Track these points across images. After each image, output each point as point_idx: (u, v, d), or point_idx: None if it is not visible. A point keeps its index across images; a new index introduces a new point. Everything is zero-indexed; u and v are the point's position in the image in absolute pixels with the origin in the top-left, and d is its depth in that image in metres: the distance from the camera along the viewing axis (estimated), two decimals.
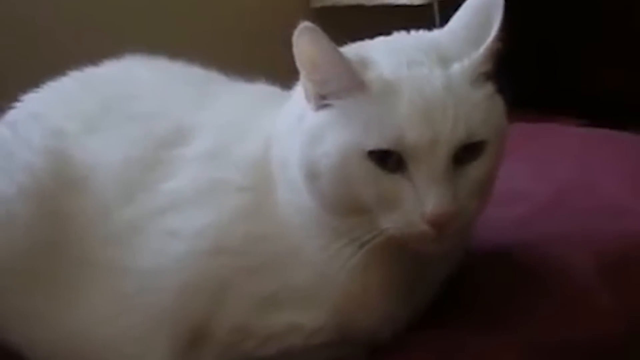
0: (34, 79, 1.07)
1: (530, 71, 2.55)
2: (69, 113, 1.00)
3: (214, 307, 0.88)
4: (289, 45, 0.81)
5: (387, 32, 0.91)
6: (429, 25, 0.90)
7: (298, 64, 0.83)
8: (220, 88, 1.02)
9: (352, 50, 0.86)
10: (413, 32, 0.90)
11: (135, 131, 0.96)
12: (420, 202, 0.79)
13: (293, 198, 0.87)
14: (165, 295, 0.88)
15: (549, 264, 0.95)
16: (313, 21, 0.80)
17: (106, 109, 0.99)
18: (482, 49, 0.83)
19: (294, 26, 0.80)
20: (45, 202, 0.94)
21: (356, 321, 0.88)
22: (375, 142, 0.79)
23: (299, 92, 0.88)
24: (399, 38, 0.89)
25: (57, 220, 0.93)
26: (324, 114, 0.83)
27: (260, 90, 1.03)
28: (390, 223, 0.81)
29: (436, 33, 0.88)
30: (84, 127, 0.98)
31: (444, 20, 0.88)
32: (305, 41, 0.81)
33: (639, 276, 0.97)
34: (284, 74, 0.96)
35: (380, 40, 0.90)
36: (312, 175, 0.83)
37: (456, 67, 0.82)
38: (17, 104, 1.05)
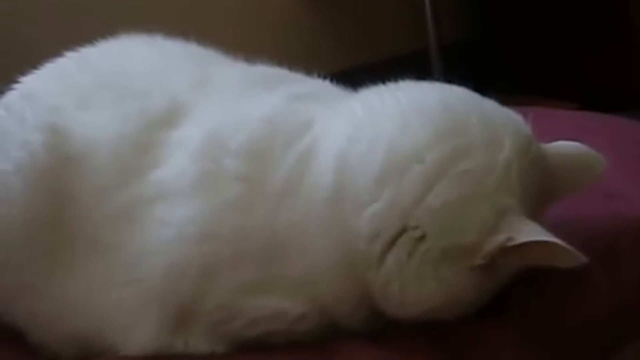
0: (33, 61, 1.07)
1: (523, 56, 2.56)
2: (63, 89, 1.00)
3: (200, 290, 0.88)
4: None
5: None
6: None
7: None
8: (218, 67, 1.02)
9: None
10: None
11: (129, 109, 0.96)
12: None
13: (310, 204, 0.86)
14: (152, 276, 0.89)
15: None
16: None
17: (101, 85, 0.99)
18: None
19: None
20: (43, 178, 0.94)
21: (342, 312, 0.88)
22: None
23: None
24: None
25: (56, 197, 0.94)
26: None
27: (261, 72, 1.02)
28: None
29: None
30: (79, 103, 0.98)
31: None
32: None
33: (629, 259, 0.98)
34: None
35: None
36: None
37: None
38: (15, 86, 1.05)
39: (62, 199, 0.94)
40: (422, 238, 0.84)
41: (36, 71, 1.06)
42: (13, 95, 1.04)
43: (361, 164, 0.86)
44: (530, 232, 0.83)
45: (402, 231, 0.84)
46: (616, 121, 1.33)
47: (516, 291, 0.89)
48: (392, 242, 0.85)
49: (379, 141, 0.87)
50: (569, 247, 0.82)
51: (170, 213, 0.90)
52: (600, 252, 0.96)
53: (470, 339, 0.88)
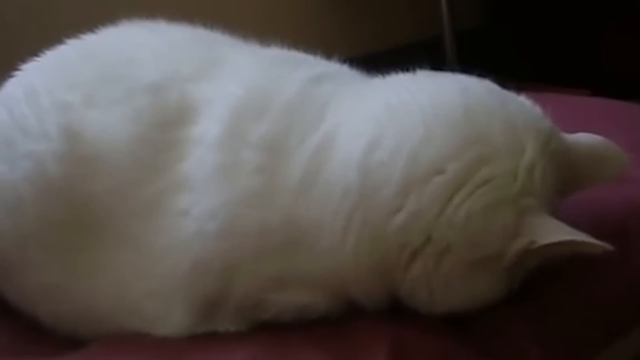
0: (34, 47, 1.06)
1: (537, 43, 2.56)
2: (68, 84, 0.98)
3: (224, 284, 0.89)
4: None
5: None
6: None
7: None
8: (230, 50, 1.01)
9: None
10: None
11: (140, 106, 0.94)
12: None
13: (330, 202, 0.86)
14: (177, 271, 0.90)
15: None
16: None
17: (107, 78, 0.97)
18: None
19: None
20: (55, 186, 0.93)
21: (366, 301, 0.89)
22: None
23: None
24: None
25: (72, 199, 0.93)
26: None
27: (275, 54, 1.01)
28: None
29: None
30: (86, 100, 0.95)
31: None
32: None
33: (638, 241, 1.00)
34: None
35: None
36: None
37: None
38: (16, 74, 1.03)
39: (80, 199, 0.93)
40: (448, 249, 0.84)
41: (36, 60, 1.04)
42: (14, 90, 1.01)
43: (383, 172, 0.86)
44: (553, 232, 0.83)
45: (427, 242, 0.85)
46: (627, 107, 1.34)
47: (533, 275, 0.90)
48: (418, 252, 0.85)
49: (401, 150, 0.86)
50: (592, 240, 0.83)
51: (192, 204, 0.90)
52: (613, 235, 0.97)
53: (485, 318, 0.89)
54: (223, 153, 0.90)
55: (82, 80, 0.98)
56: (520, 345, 0.89)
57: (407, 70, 0.96)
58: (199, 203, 0.89)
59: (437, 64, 0.99)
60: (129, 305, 0.92)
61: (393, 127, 0.88)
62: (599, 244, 0.83)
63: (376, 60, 1.04)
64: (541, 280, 0.91)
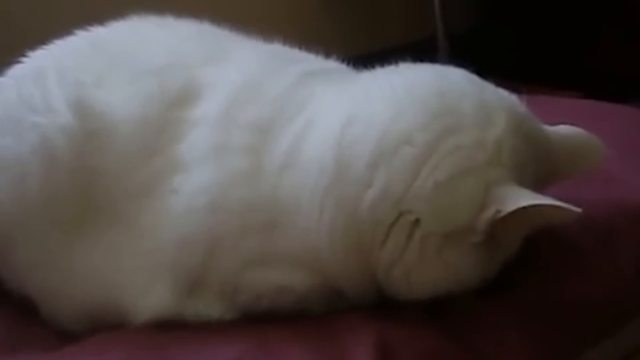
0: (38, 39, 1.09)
1: (530, 45, 2.57)
2: (78, 67, 1.02)
3: (208, 262, 0.91)
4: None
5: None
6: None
7: None
8: (234, 44, 1.04)
9: None
10: None
11: (147, 87, 0.98)
12: None
13: (308, 178, 0.88)
14: (164, 248, 0.92)
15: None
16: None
17: (115, 65, 1.01)
18: None
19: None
20: (60, 160, 0.95)
21: (347, 287, 0.90)
22: None
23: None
24: None
25: (78, 172, 0.95)
26: None
27: (276, 50, 1.04)
28: None
29: None
30: (95, 81, 0.99)
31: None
32: None
33: (627, 242, 1.01)
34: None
35: None
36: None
37: None
38: (24, 59, 1.06)
39: (83, 175, 0.96)
40: (417, 222, 0.85)
41: (45, 48, 1.07)
42: (22, 71, 1.04)
43: (357, 147, 0.87)
44: (517, 199, 0.82)
45: (398, 217, 0.85)
46: (618, 109, 1.34)
47: (516, 271, 0.90)
48: (391, 227, 0.85)
49: (373, 125, 0.88)
50: (558, 203, 0.83)
51: (183, 183, 0.92)
52: (599, 235, 0.98)
53: (471, 316, 0.90)
54: (216, 133, 0.93)
55: (92, 65, 1.01)
56: (506, 342, 0.90)
57: None
58: (189, 181, 0.92)
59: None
60: (118, 281, 0.94)
61: (367, 107, 0.90)
62: (567, 208, 0.82)
63: (369, 60, 1.05)
64: (527, 278, 0.92)
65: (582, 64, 2.44)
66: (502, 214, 0.82)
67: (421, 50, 1.71)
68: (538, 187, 0.90)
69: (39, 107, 0.98)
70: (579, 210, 0.82)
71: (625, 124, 1.27)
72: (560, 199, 0.93)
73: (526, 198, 0.83)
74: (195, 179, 0.92)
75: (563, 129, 0.96)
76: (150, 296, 0.92)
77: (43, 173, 0.95)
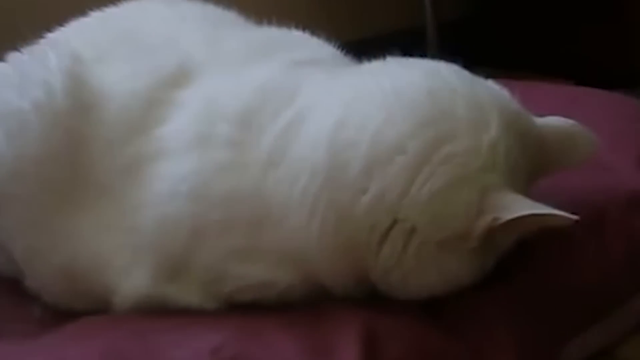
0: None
1: (520, 34, 2.56)
2: (84, 43, 1.04)
3: (189, 249, 0.91)
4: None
5: None
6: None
7: None
8: (228, 31, 1.05)
9: None
10: None
11: (141, 65, 1.00)
12: None
13: (299, 178, 0.87)
14: (145, 227, 0.92)
15: None
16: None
17: (118, 41, 1.04)
18: None
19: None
20: (60, 119, 0.97)
21: (335, 286, 0.89)
22: None
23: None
24: None
25: (72, 138, 0.97)
26: None
27: (268, 37, 1.05)
28: None
29: None
30: (97, 56, 1.02)
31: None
32: None
33: (616, 229, 1.01)
34: None
35: None
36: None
37: None
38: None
39: (77, 140, 0.97)
40: (413, 230, 0.84)
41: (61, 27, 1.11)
42: (38, 44, 1.08)
43: (349, 153, 0.86)
44: (516, 207, 0.83)
45: (394, 223, 0.85)
46: (607, 96, 1.34)
47: (506, 259, 0.90)
48: (386, 234, 0.85)
49: (365, 130, 0.86)
50: (555, 212, 0.83)
51: (166, 169, 0.92)
52: (589, 222, 0.98)
53: (459, 305, 0.90)
54: (200, 123, 0.93)
55: (97, 41, 1.05)
56: (494, 330, 0.89)
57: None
58: (172, 167, 0.92)
59: (419, 54, 0.99)
60: (101, 255, 0.94)
61: (358, 109, 0.89)
62: (563, 216, 0.83)
63: (357, 48, 1.04)
64: (515, 267, 0.91)
65: (572, 52, 2.44)
66: (500, 222, 0.83)
67: (410, 39, 1.71)
68: (531, 181, 0.90)
69: (49, 65, 1.00)
70: (575, 217, 0.83)
71: (616, 111, 1.27)
72: (550, 187, 0.93)
73: (524, 207, 0.83)
74: (178, 165, 0.92)
75: (554, 121, 0.95)
76: (131, 276, 0.92)
77: (42, 128, 0.96)
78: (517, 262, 0.91)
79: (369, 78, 0.93)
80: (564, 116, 0.96)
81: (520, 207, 0.83)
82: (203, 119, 0.93)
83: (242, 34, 1.06)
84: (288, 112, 0.91)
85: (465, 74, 0.93)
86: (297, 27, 1.06)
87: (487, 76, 0.95)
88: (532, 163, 0.90)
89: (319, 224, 0.86)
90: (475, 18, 2.66)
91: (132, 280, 0.92)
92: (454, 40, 2.33)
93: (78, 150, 0.97)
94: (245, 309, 0.90)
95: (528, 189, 0.90)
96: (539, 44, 2.51)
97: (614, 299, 0.99)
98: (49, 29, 1.11)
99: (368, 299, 0.89)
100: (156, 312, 0.92)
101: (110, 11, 1.11)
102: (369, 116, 0.87)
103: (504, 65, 2.07)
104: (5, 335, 0.97)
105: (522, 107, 0.92)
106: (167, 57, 1.00)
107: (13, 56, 1.06)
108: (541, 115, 0.95)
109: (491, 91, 0.92)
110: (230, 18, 1.10)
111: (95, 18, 1.11)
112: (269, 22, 1.08)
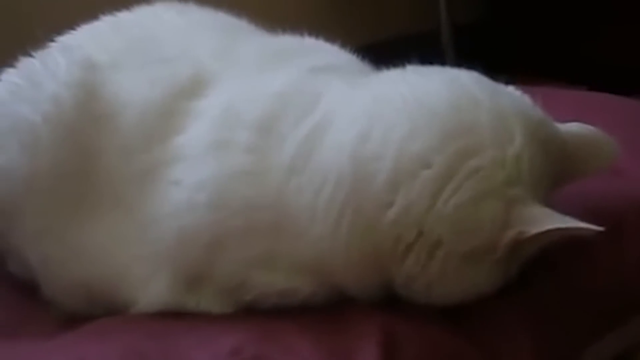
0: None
1: (535, 38, 2.56)
2: (97, 48, 1.03)
3: (210, 257, 0.90)
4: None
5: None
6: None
7: None
8: (244, 38, 1.05)
9: None
10: None
11: (157, 74, 0.99)
12: None
13: (323, 188, 0.87)
14: (165, 238, 0.92)
15: None
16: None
17: (132, 49, 1.03)
18: None
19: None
20: (71, 133, 0.97)
21: (356, 292, 0.90)
22: None
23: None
24: None
25: (83, 150, 0.97)
26: None
27: (283, 44, 1.04)
28: None
29: None
30: (111, 62, 1.01)
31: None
32: None
33: (634, 235, 1.00)
34: None
35: None
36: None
37: None
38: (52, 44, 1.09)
39: (89, 152, 0.97)
40: (439, 242, 0.85)
41: (73, 31, 1.10)
42: (50, 48, 1.07)
43: (375, 166, 0.86)
44: (542, 221, 0.83)
45: (419, 236, 0.85)
46: (624, 101, 1.34)
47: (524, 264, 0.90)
48: (411, 246, 0.85)
49: (389, 143, 0.86)
50: (581, 224, 0.83)
51: (184, 175, 0.92)
52: (607, 227, 0.97)
53: (478, 309, 0.89)
54: (218, 130, 0.93)
55: (110, 47, 1.04)
56: (512, 335, 0.90)
57: (402, 63, 0.97)
58: (190, 174, 0.92)
59: (434, 58, 0.99)
60: (119, 266, 0.94)
61: (381, 121, 0.88)
62: (589, 228, 0.83)
63: (372, 52, 1.04)
64: (535, 272, 0.91)
65: (587, 56, 2.43)
66: (526, 235, 0.83)
67: (425, 43, 1.71)
68: (554, 188, 0.90)
69: (60, 77, 1.00)
70: (600, 228, 0.83)
71: (632, 116, 1.26)
72: (565, 193, 0.93)
73: (550, 220, 0.83)
74: (197, 171, 0.92)
75: (575, 127, 0.95)
76: (149, 287, 0.92)
77: (53, 141, 0.97)
78: (535, 267, 0.91)
79: (391, 88, 0.92)
80: (578, 121, 0.96)
81: (546, 220, 0.83)
82: (221, 125, 0.93)
83: (256, 41, 1.06)
84: (310, 119, 0.91)
85: (486, 81, 0.93)
86: (309, 31, 1.05)
87: (500, 80, 0.95)
88: (555, 170, 0.90)
89: (345, 233, 0.86)
90: (490, 22, 2.66)
91: (150, 292, 0.92)
92: (469, 44, 2.33)
93: (91, 161, 0.97)
94: (263, 312, 0.90)
95: (551, 196, 0.89)
96: (553, 48, 2.50)
97: (631, 304, 0.99)
98: (60, 32, 1.11)
99: (387, 302, 0.90)
100: (175, 313, 0.92)
101: (122, 16, 1.10)
102: (393, 128, 0.87)
103: (518, 69, 2.05)
104: (24, 335, 0.97)
105: (544, 113, 0.92)
106: (183, 66, 0.99)
107: (24, 62, 1.06)
108: (554, 120, 0.95)
109: (513, 99, 0.92)
110: (242, 26, 1.10)
111: (108, 23, 1.10)
112: (281, 29, 1.08)
